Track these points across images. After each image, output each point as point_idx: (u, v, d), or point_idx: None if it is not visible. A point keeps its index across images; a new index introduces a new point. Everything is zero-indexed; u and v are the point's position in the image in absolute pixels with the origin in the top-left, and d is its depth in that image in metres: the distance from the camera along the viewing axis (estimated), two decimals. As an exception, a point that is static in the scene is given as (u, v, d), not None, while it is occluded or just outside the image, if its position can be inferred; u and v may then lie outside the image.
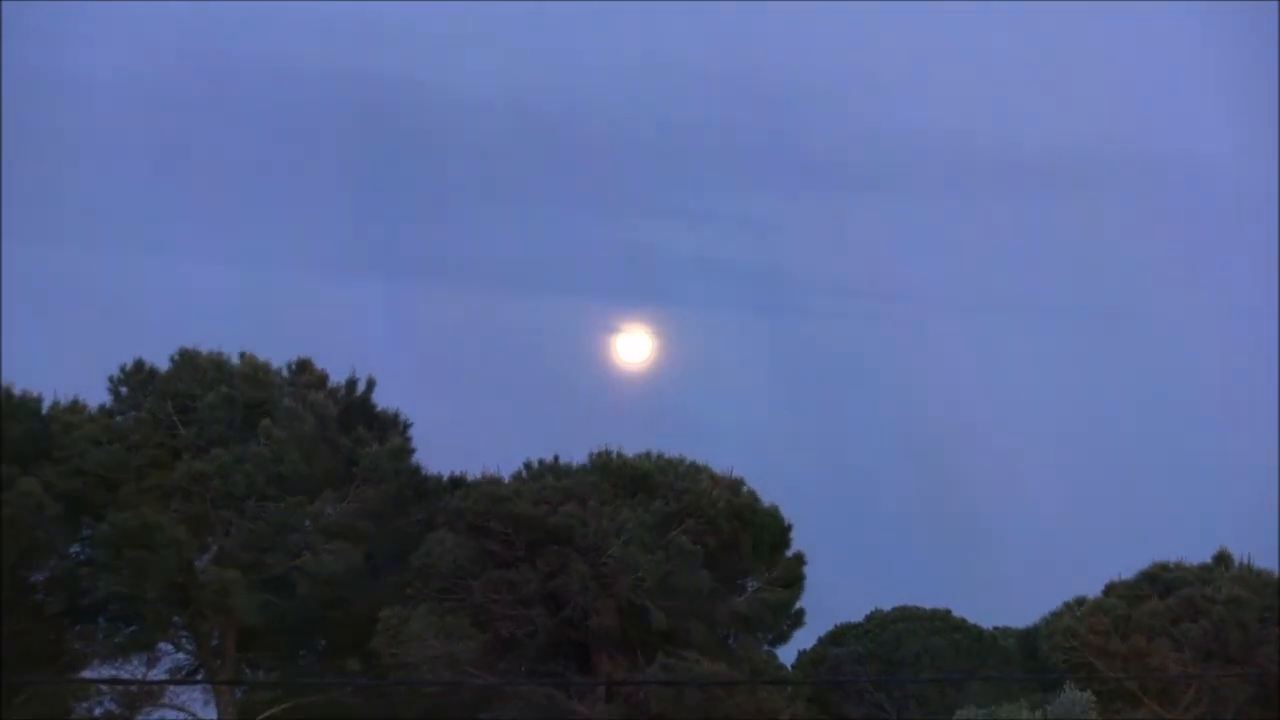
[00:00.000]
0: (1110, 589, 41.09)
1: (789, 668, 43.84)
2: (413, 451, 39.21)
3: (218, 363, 38.65)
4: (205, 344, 38.96)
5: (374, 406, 39.68)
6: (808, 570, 39.29)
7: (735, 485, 39.43)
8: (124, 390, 38.91)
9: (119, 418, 38.30)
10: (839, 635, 46.68)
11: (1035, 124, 75.00)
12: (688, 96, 76.00)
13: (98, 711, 38.04)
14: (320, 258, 73.81)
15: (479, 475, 39.07)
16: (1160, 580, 40.79)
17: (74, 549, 37.23)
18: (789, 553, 39.50)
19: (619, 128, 77.37)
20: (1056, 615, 41.24)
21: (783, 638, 40.23)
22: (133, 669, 38.13)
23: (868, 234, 76.47)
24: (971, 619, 46.22)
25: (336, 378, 39.57)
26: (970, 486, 62.03)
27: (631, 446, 39.17)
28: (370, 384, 39.87)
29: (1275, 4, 59.93)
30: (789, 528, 39.63)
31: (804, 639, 43.13)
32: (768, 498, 39.44)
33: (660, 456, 39.17)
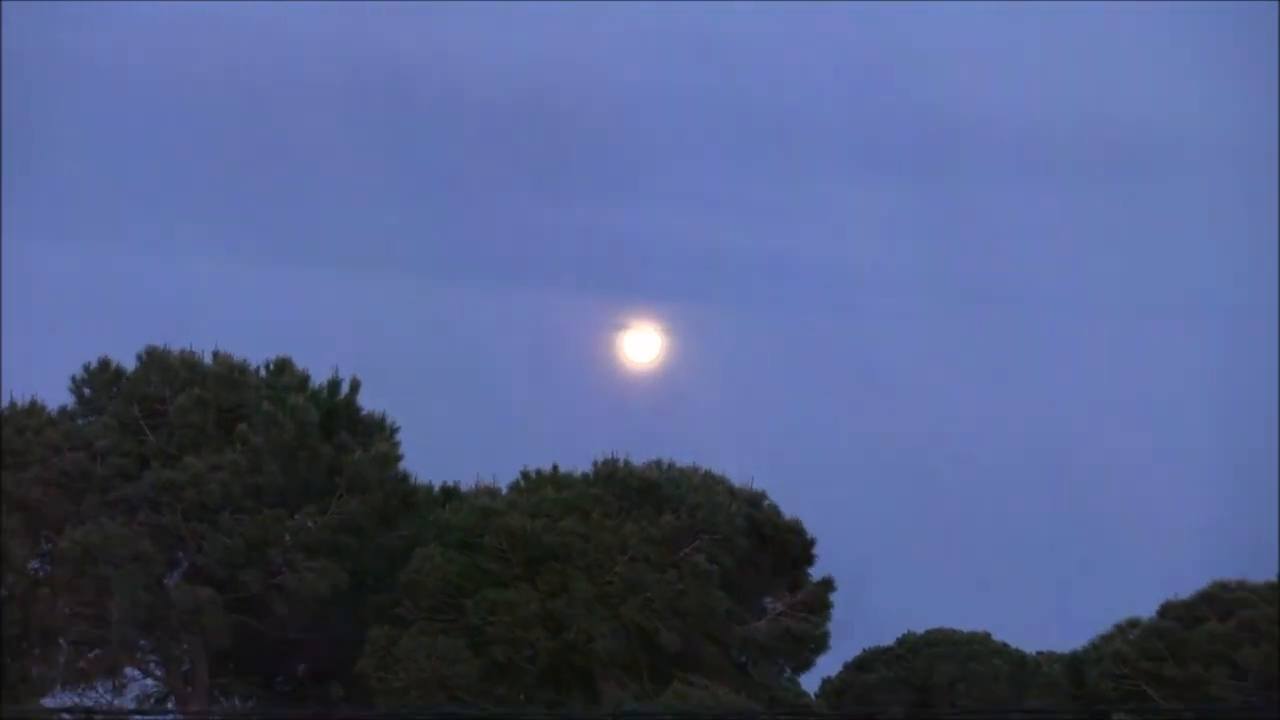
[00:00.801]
0: (1165, 610, 39.30)
1: (812, 697, 41.91)
2: (401, 459, 37.77)
3: (189, 362, 37.21)
4: (176, 341, 37.61)
5: (359, 410, 38.29)
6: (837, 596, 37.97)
7: (755, 498, 38.06)
8: (88, 392, 37.63)
9: (82, 421, 36.98)
10: (867, 661, 44.60)
11: (1080, 104, 71.31)
12: (708, 76, 71.59)
13: (59, 742, 36.58)
14: (300, 248, 70.65)
15: (473, 485, 37.97)
16: (1220, 601, 38.83)
17: (33, 565, 36.04)
18: (813, 572, 38.08)
19: (629, 107, 73.55)
20: (1106, 639, 39.62)
21: (805, 664, 38.70)
22: (97, 696, 36.87)
23: (912, 224, 72.86)
24: (1013, 643, 44.25)
25: (319, 379, 38.15)
26: (1009, 497, 59.60)
27: (639, 455, 37.75)
28: (355, 386, 38.33)
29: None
30: (813, 544, 38.10)
31: (829, 665, 41.31)
32: (790, 511, 37.99)
33: (671, 466, 37.66)
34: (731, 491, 37.61)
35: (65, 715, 36.03)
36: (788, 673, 38.75)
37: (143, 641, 36.61)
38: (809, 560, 38.22)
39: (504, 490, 37.77)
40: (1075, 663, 40.65)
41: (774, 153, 74.03)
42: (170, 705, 37.17)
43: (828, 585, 37.96)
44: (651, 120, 74.74)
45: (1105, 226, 73.49)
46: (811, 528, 38.08)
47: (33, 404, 36.87)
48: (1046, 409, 67.93)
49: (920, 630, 44.52)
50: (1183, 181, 71.35)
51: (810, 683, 41.12)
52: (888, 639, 44.20)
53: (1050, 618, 48.87)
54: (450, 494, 38.28)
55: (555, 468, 38.33)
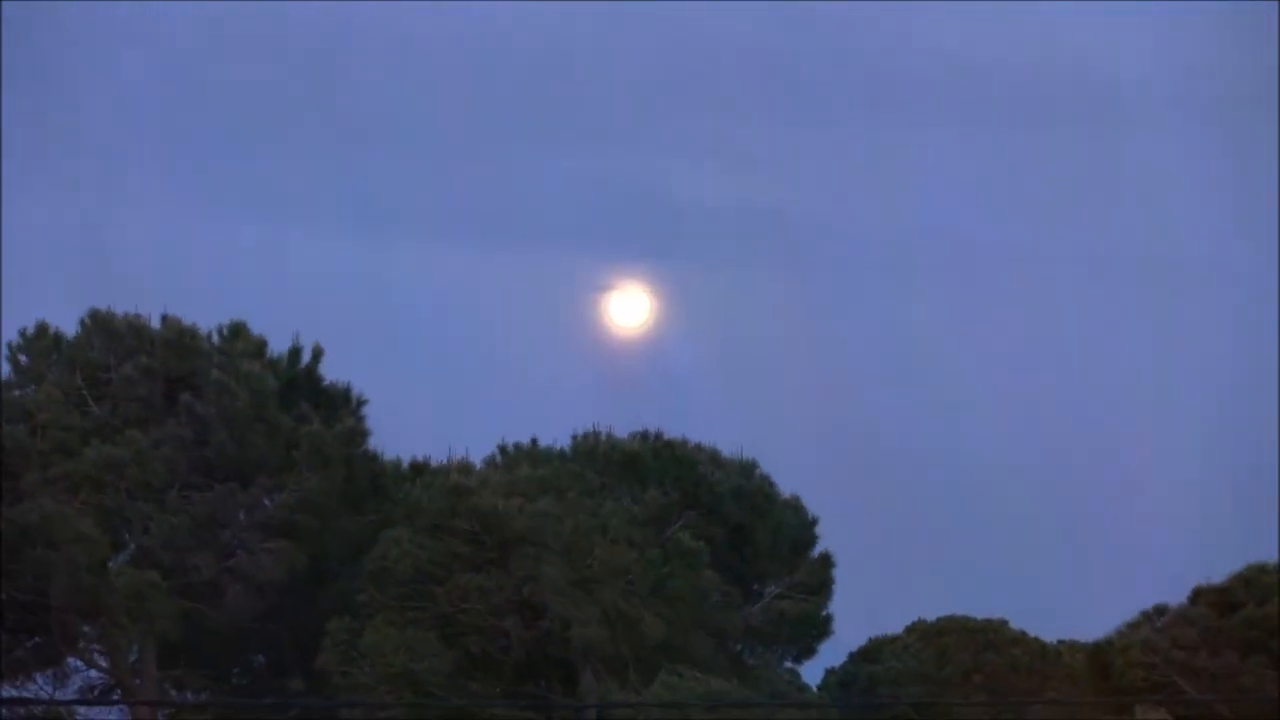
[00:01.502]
0: (1197, 595, 38.15)
1: (814, 689, 40.19)
2: (367, 434, 36.57)
3: (136, 327, 35.84)
4: (122, 304, 36.20)
5: (322, 380, 36.98)
6: (837, 573, 36.75)
7: (747, 469, 36.45)
8: (24, 359, 36.22)
9: (18, 392, 35.60)
10: (874, 650, 43.11)
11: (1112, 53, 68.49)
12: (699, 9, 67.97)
13: (-3, 737, 35.54)
14: (249, 201, 67.81)
15: (445, 462, 36.23)
16: (1257, 585, 37.64)
17: (-34, 547, 34.06)
18: (814, 552, 36.69)
19: (612, 46, 69.96)
20: (1133, 626, 38.43)
21: (807, 652, 37.44)
22: (37, 688, 35.81)
23: (925, 177, 69.93)
24: (1032, 630, 42.87)
25: (277, 345, 36.70)
26: (1028, 472, 57.05)
27: (624, 427, 36.35)
28: (317, 353, 36.99)
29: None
30: (814, 522, 36.64)
31: (832, 654, 39.51)
32: (788, 486, 36.42)
33: (658, 438, 36.29)
34: (720, 463, 36.19)
35: (2, 709, 35.22)
36: (788, 662, 37.46)
37: (86, 629, 35.24)
38: (809, 540, 36.77)
39: (479, 466, 36.29)
40: (1100, 652, 39.28)
41: (778, 99, 70.38)
42: (116, 697, 35.91)
43: (828, 562, 36.56)
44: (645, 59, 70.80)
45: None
46: (813, 508, 36.86)
47: (-37, 373, 35.15)
48: (1067, 379, 65.43)
49: (932, 617, 43.44)
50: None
51: (812, 674, 39.77)
52: (895, 627, 43.09)
53: (1072, 603, 47.39)
54: (420, 471, 36.64)
55: (534, 441, 37.05)
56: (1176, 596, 38.71)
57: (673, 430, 36.57)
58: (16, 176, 55.31)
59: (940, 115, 69.68)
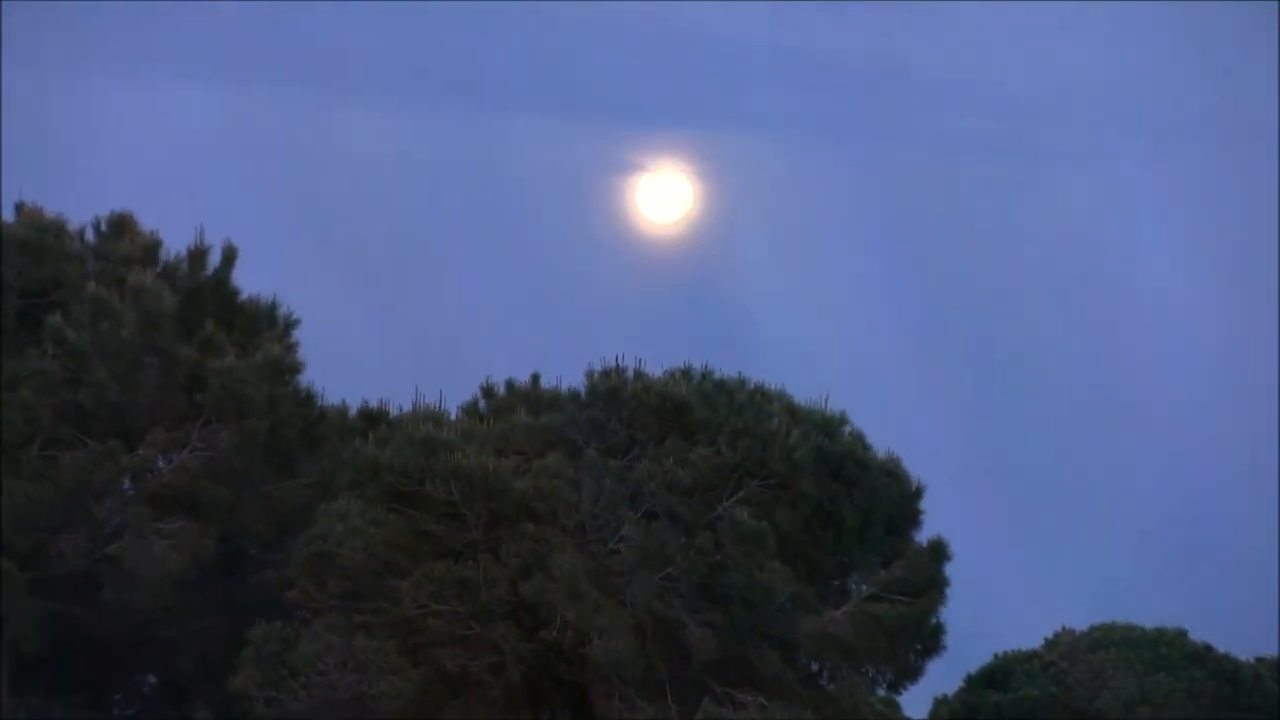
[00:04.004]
0: None
1: None
2: (299, 367, 31.91)
3: None
4: None
5: (236, 293, 32.59)
6: (951, 567, 30.53)
7: (830, 424, 30.71)
8: None
9: None
10: (1002, 671, 38.57)
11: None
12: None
13: None
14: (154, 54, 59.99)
15: (408, 408, 31.34)
16: None
17: None
18: (919, 536, 30.90)
19: None
20: None
21: (909, 674, 31.51)
22: None
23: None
24: (1218, 645, 37.63)
25: (175, 245, 31.73)
26: (1203, 439, 50.06)
27: (658, 361, 30.56)
28: (230, 255, 32.37)
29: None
30: (918, 493, 30.66)
31: (943, 676, 34.16)
32: (884, 445, 30.44)
33: (707, 378, 30.87)
34: (795, 414, 30.40)
35: None
36: (882, 688, 31.95)
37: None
38: (912, 518, 30.87)
39: (454, 415, 31.56)
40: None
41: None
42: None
43: (940, 550, 30.67)
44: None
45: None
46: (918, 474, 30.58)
47: None
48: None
49: (1081, 627, 38.39)
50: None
51: (916, 704, 34.65)
52: (1031, 640, 37.82)
53: (1268, 613, 41.19)
54: (375, 420, 31.66)
55: (535, 380, 32.26)
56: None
57: (726, 366, 30.78)
58: None
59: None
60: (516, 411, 31.01)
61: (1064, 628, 39.25)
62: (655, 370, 31.14)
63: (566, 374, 31.08)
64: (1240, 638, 38.47)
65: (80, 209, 30.69)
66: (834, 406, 31.03)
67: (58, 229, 30.62)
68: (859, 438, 30.96)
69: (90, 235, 31.71)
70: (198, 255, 31.96)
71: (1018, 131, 65.33)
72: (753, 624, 30.31)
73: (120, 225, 31.52)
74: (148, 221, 31.20)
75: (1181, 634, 38.43)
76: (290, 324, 32.46)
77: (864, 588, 31.09)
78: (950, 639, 30.80)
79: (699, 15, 59.08)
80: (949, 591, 30.71)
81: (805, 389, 31.20)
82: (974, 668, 38.30)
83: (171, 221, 31.54)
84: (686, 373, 30.95)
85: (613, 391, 30.52)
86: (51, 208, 30.44)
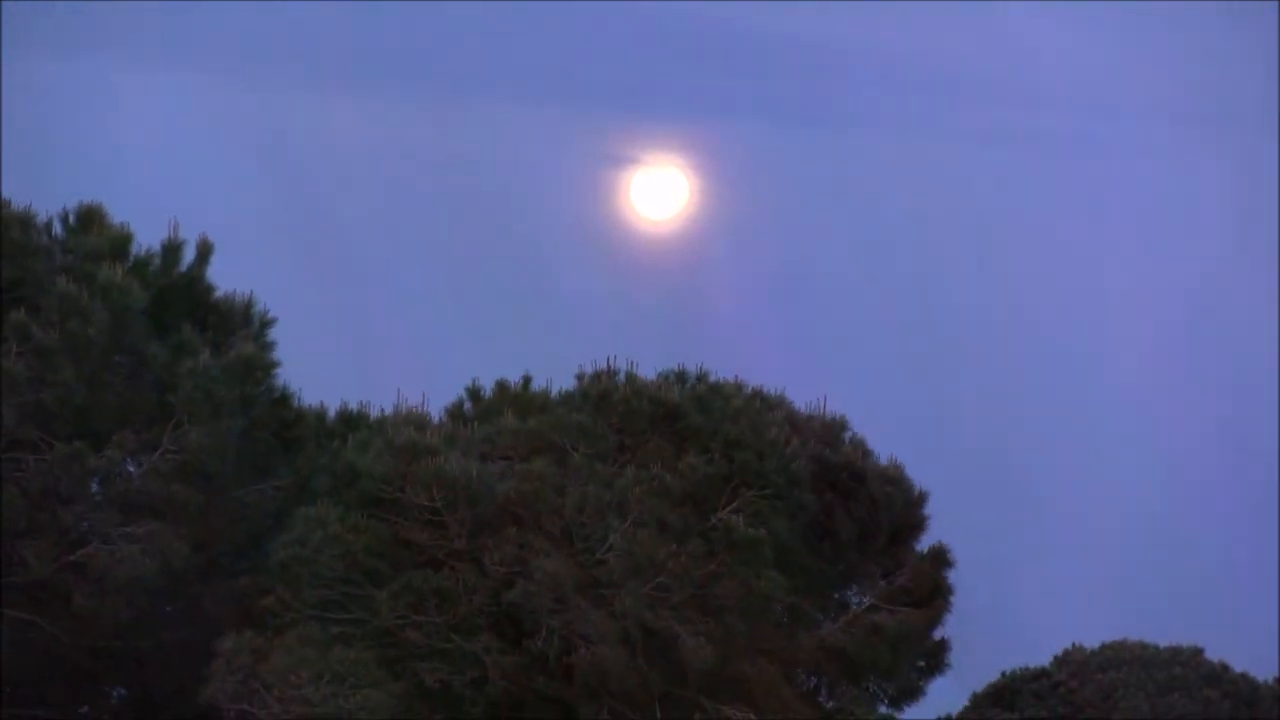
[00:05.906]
0: None
1: None
2: (274, 367, 30.99)
3: None
4: None
5: (211, 290, 31.48)
6: (954, 576, 30.60)
7: (830, 430, 30.89)
8: None
9: None
10: (1008, 689, 37.16)
11: None
12: None
13: None
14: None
15: (389, 410, 30.82)
16: None
17: None
18: (922, 544, 31.02)
19: None
20: None
21: (911, 691, 31.60)
22: None
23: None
24: (1237, 664, 36.45)
25: (147, 240, 30.63)
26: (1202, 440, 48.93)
27: (650, 364, 30.25)
28: (205, 251, 31.27)
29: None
30: (922, 499, 30.78)
31: (948, 695, 33.67)
32: (886, 452, 30.52)
33: (700, 380, 30.64)
34: (794, 421, 30.24)
35: None
36: (883, 704, 31.73)
37: None
38: (916, 526, 30.92)
39: (437, 418, 30.74)
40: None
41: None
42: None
43: (942, 559, 30.68)
44: None
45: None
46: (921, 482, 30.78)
47: None
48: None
49: (1091, 644, 37.05)
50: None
51: None
52: (1040, 657, 36.72)
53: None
54: (354, 423, 31.57)
55: (526, 382, 31.63)
56: None
57: (721, 369, 30.34)
58: None
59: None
60: (503, 415, 30.39)
61: (1074, 645, 37.97)
62: (648, 372, 30.67)
63: (558, 376, 30.70)
64: (1259, 657, 37.40)
65: (52, 204, 29.44)
66: (834, 408, 30.70)
67: (25, 220, 29.51)
68: (860, 443, 30.91)
69: (58, 228, 30.59)
70: (171, 250, 31.04)
71: (1019, 122, 65.00)
72: (747, 635, 29.73)
73: (89, 218, 30.44)
74: (119, 215, 29.99)
75: (1197, 652, 37.04)
76: (266, 322, 31.55)
77: (864, 599, 31.05)
78: (954, 657, 30.80)
79: (692, 7, 58.56)
80: (955, 607, 30.57)
81: (806, 391, 30.83)
82: (980, 686, 37.20)
83: (145, 215, 30.72)
84: (681, 376, 30.66)
85: (603, 395, 30.26)
86: (19, 202, 29.09)
